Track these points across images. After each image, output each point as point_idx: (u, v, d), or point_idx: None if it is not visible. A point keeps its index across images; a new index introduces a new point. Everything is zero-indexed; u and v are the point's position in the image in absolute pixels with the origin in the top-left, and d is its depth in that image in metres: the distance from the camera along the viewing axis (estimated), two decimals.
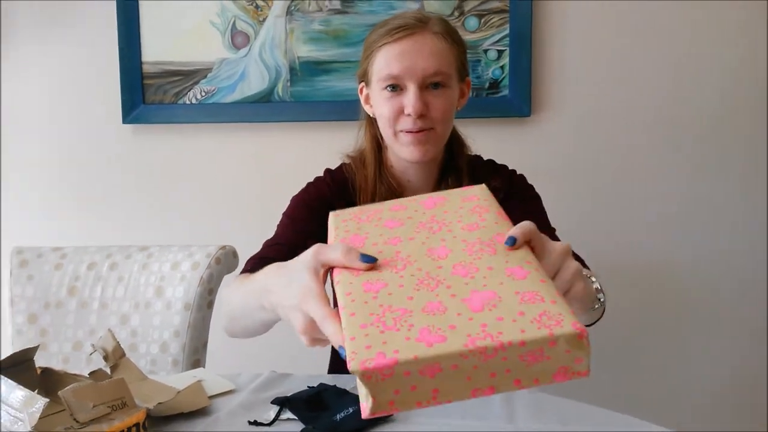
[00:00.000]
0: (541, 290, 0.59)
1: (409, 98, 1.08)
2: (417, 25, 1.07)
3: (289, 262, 0.73)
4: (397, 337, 0.56)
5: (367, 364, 0.55)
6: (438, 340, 0.55)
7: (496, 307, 0.57)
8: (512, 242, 0.64)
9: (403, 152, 1.14)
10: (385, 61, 1.08)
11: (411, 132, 1.11)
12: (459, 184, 1.16)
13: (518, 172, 1.30)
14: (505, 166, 1.29)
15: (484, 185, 0.78)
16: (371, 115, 1.20)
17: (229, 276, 1.45)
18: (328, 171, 1.27)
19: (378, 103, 1.13)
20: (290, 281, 0.69)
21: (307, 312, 0.65)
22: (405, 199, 0.78)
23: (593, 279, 0.90)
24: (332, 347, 1.38)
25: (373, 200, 1.15)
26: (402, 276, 0.64)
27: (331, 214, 0.78)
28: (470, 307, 0.58)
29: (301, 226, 1.15)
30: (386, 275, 0.64)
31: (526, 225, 0.66)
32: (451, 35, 1.11)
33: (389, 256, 0.67)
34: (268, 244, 1.16)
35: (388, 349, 0.55)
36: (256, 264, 1.09)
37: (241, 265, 1.44)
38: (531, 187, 1.28)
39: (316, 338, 0.68)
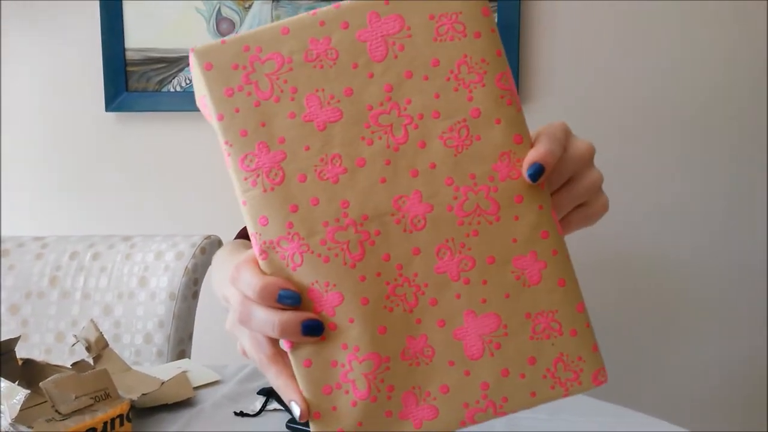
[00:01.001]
0: (559, 307, 0.45)
1: None
2: None
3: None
4: (376, 410, 0.42)
5: None
6: (428, 415, 0.42)
7: (499, 349, 0.43)
8: (536, 176, 0.46)
9: None
10: None
11: None
12: None
13: None
14: None
15: None
16: None
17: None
18: None
19: None
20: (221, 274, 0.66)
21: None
22: (323, 25, 0.45)
23: None
24: None
25: None
26: (363, 277, 0.43)
27: (194, 56, 0.49)
28: (466, 350, 0.43)
29: None
30: (334, 273, 0.44)
31: (550, 136, 0.50)
32: None
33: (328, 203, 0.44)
34: None
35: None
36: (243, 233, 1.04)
37: None
38: None
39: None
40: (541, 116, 1.86)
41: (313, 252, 0.44)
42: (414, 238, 0.44)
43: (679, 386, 1.94)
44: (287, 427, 0.87)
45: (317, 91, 0.44)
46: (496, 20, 0.43)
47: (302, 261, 0.44)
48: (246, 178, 0.50)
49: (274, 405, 0.93)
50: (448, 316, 0.43)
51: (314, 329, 0.43)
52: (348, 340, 0.43)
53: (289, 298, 0.45)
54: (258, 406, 0.93)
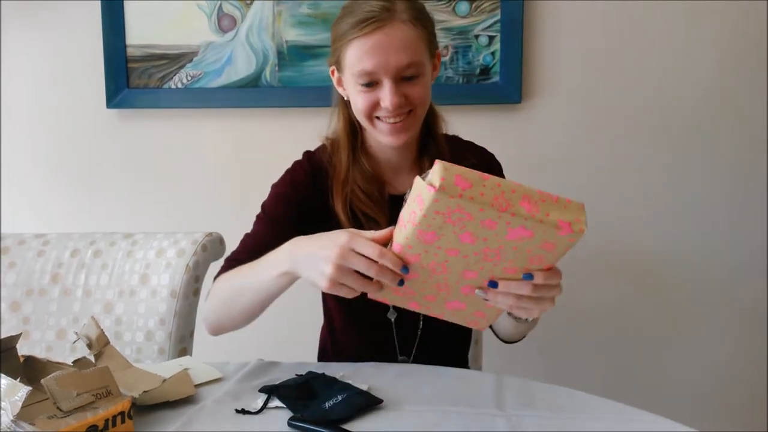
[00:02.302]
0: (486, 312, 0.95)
1: (386, 94, 1.06)
2: (384, 15, 1.03)
3: (315, 236, 0.90)
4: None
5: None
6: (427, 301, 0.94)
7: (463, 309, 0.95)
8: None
9: (382, 138, 1.12)
10: (357, 57, 1.05)
11: (389, 122, 1.10)
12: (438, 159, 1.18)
13: (496, 160, 1.29)
14: (485, 149, 1.29)
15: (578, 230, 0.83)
16: (345, 98, 1.17)
17: (215, 263, 1.43)
18: (306, 154, 1.25)
19: (353, 94, 1.10)
20: (323, 241, 0.86)
21: (356, 248, 0.83)
22: (499, 213, 0.76)
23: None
24: (320, 339, 1.38)
25: (345, 185, 1.15)
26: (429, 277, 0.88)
27: (435, 180, 0.74)
28: (447, 305, 0.93)
29: (279, 228, 1.12)
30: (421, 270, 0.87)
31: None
32: (419, 19, 1.07)
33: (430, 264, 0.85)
34: (247, 247, 1.14)
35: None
36: (231, 266, 1.10)
37: (228, 254, 1.44)
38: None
39: (341, 282, 0.84)
40: (544, 113, 1.85)
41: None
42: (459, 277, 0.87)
43: (679, 386, 1.93)
44: (289, 424, 0.87)
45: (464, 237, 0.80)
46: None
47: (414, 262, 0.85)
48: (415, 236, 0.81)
49: (276, 402, 0.93)
50: (448, 298, 0.91)
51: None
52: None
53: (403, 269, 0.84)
54: (260, 403, 0.93)
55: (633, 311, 1.92)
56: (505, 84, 1.81)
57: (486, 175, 0.76)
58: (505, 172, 1.35)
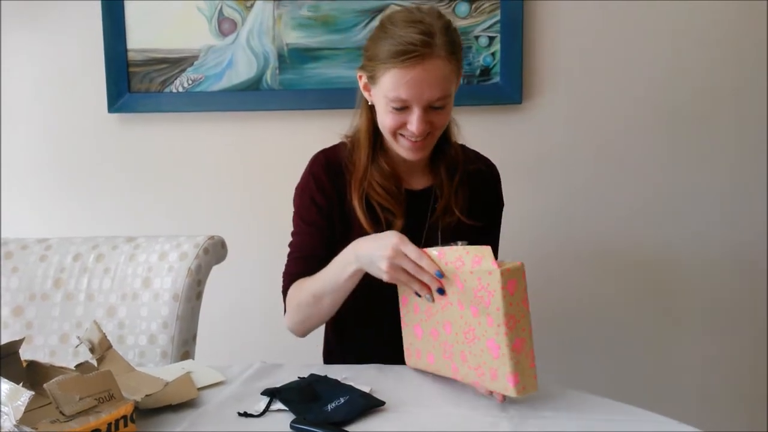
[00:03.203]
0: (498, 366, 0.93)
1: (413, 120, 1.13)
2: (425, 50, 1.08)
3: (371, 237, 1.07)
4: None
5: None
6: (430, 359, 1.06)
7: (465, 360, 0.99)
8: None
9: (402, 152, 1.20)
10: (393, 85, 1.11)
11: (410, 140, 1.17)
12: (452, 170, 1.26)
13: (496, 169, 1.36)
14: (488, 159, 1.35)
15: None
16: (369, 102, 1.21)
17: (217, 266, 1.43)
18: (323, 153, 1.29)
19: (382, 111, 1.17)
20: (379, 243, 1.01)
21: (403, 250, 0.98)
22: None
23: None
24: (324, 341, 1.39)
25: (363, 180, 1.22)
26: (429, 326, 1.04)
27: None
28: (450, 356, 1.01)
29: (319, 235, 1.24)
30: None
31: None
32: (454, 53, 1.13)
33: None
34: (294, 257, 1.26)
35: None
36: (292, 279, 1.23)
37: (232, 255, 1.45)
38: (502, 204, 1.36)
39: (399, 277, 0.99)
40: (545, 113, 1.85)
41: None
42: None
43: (679, 386, 1.93)
44: (291, 427, 0.87)
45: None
46: None
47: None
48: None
49: (278, 405, 0.93)
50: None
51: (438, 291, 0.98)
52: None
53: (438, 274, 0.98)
54: (262, 406, 0.93)
55: (633, 310, 1.92)
56: (505, 84, 1.81)
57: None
58: (506, 173, 1.36)
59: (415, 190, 1.26)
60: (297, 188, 1.28)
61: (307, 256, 1.23)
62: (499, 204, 1.34)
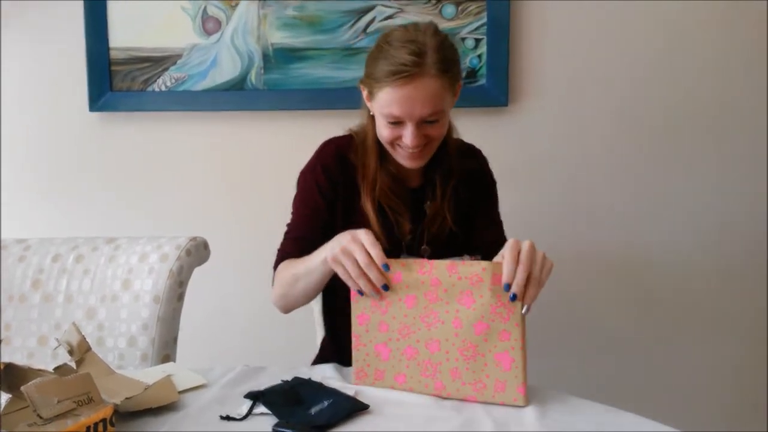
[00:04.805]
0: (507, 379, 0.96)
1: (407, 135, 1.17)
2: (414, 69, 1.13)
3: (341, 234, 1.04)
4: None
5: None
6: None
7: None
8: (514, 297, 0.94)
9: (400, 160, 1.24)
10: (387, 102, 1.16)
11: (408, 151, 1.21)
12: (449, 170, 1.29)
13: (486, 161, 1.39)
14: (479, 150, 1.39)
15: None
16: (371, 113, 1.25)
17: (200, 268, 1.42)
18: (334, 142, 1.31)
19: (380, 124, 1.22)
20: (348, 234, 1.01)
21: (360, 240, 0.99)
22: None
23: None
24: (320, 348, 1.38)
25: (374, 186, 1.25)
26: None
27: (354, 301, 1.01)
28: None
29: (317, 219, 1.27)
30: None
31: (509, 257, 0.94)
32: (446, 70, 1.16)
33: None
34: (290, 237, 1.29)
35: None
36: (283, 257, 1.26)
37: (214, 256, 1.43)
38: (494, 181, 1.39)
39: (339, 261, 1.00)
40: (531, 116, 1.86)
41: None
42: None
43: (680, 386, 1.94)
44: (274, 430, 0.86)
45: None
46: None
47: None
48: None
49: (261, 409, 0.92)
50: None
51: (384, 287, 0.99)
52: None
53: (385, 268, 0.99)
54: (245, 409, 0.92)
55: (624, 313, 1.93)
56: (491, 87, 1.81)
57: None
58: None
59: (414, 187, 1.30)
60: (302, 172, 1.32)
61: (301, 237, 1.26)
62: (492, 185, 1.38)
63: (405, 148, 1.20)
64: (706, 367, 1.94)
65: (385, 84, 1.15)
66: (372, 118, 1.26)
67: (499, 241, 1.32)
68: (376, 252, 0.97)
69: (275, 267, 1.27)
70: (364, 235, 1.00)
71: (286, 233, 1.31)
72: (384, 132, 1.20)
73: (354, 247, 0.99)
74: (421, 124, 1.17)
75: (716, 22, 1.83)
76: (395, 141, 1.21)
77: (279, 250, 1.29)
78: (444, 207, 1.27)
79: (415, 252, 1.27)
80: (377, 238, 1.18)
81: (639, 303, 1.93)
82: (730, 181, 1.88)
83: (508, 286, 0.92)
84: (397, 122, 1.17)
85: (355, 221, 1.24)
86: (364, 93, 1.25)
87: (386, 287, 0.98)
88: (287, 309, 1.26)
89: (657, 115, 1.86)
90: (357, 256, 0.98)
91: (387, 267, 0.97)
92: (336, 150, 1.30)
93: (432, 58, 1.13)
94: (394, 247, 1.24)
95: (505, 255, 0.94)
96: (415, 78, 1.13)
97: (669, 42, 1.84)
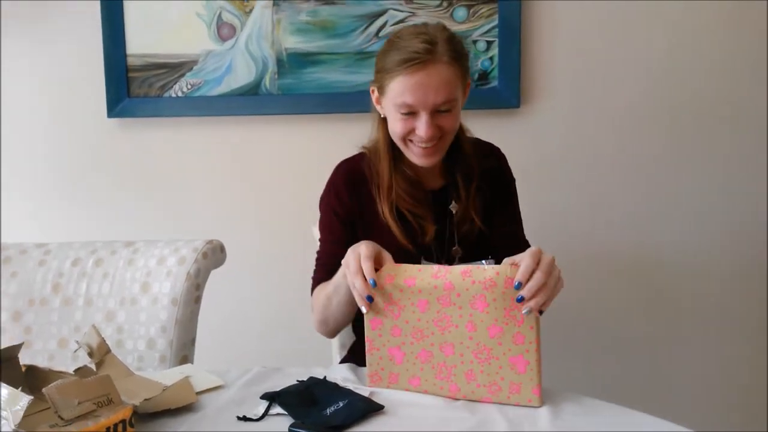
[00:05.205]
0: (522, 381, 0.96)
1: (421, 125, 1.17)
2: (427, 57, 1.14)
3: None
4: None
5: None
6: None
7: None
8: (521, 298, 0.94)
9: (413, 159, 1.24)
10: (400, 91, 1.16)
11: (421, 146, 1.20)
12: (469, 169, 1.29)
13: (504, 157, 1.40)
14: (497, 148, 1.39)
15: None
16: (381, 115, 1.26)
17: (216, 271, 1.43)
18: (344, 163, 1.33)
19: (392, 119, 1.21)
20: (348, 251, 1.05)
21: (357, 252, 1.02)
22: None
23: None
24: (350, 347, 1.40)
25: (390, 191, 1.26)
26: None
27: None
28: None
29: (340, 244, 1.25)
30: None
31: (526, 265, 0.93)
32: (457, 59, 1.17)
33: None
34: (320, 263, 1.32)
35: None
36: (317, 283, 1.28)
37: (230, 259, 1.45)
38: (513, 179, 1.39)
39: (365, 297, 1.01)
40: (542, 117, 1.86)
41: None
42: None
43: (679, 386, 1.93)
44: (290, 431, 0.87)
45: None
46: None
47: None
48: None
49: (277, 409, 0.93)
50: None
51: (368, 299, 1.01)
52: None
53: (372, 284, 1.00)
54: (261, 410, 0.93)
55: (633, 313, 1.92)
56: (503, 89, 1.81)
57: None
58: None
59: (435, 189, 1.30)
60: (320, 198, 1.34)
61: (330, 262, 1.27)
62: (511, 183, 1.38)
63: (418, 142, 1.19)
64: (715, 367, 1.92)
65: (397, 73, 1.15)
66: (383, 121, 1.26)
67: (518, 239, 1.33)
68: (367, 265, 0.99)
69: (312, 294, 1.29)
70: (363, 248, 1.02)
71: (317, 260, 1.33)
72: (397, 127, 1.20)
73: (349, 259, 1.02)
74: (434, 113, 1.17)
75: (724, 22, 1.82)
76: (408, 135, 1.20)
77: (312, 278, 1.32)
78: (470, 207, 1.27)
79: (446, 254, 1.27)
80: (397, 244, 1.21)
81: (649, 303, 1.92)
82: (741, 182, 1.87)
83: (519, 285, 0.92)
84: (410, 113, 1.17)
85: (376, 231, 1.24)
86: (374, 96, 1.25)
87: (371, 298, 1.00)
88: (330, 332, 1.28)
89: (668, 115, 1.86)
90: (349, 268, 1.02)
91: (374, 282, 0.99)
92: (346, 170, 1.31)
93: (443, 47, 1.15)
94: (422, 251, 1.24)
95: (524, 257, 0.94)
96: (427, 64, 1.13)
97: (679, 43, 1.83)
